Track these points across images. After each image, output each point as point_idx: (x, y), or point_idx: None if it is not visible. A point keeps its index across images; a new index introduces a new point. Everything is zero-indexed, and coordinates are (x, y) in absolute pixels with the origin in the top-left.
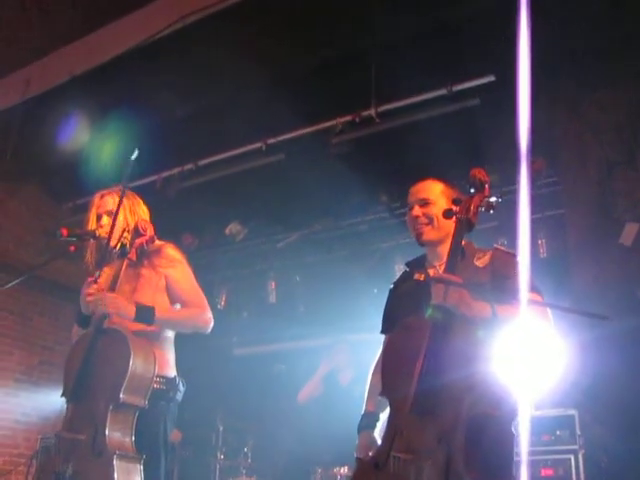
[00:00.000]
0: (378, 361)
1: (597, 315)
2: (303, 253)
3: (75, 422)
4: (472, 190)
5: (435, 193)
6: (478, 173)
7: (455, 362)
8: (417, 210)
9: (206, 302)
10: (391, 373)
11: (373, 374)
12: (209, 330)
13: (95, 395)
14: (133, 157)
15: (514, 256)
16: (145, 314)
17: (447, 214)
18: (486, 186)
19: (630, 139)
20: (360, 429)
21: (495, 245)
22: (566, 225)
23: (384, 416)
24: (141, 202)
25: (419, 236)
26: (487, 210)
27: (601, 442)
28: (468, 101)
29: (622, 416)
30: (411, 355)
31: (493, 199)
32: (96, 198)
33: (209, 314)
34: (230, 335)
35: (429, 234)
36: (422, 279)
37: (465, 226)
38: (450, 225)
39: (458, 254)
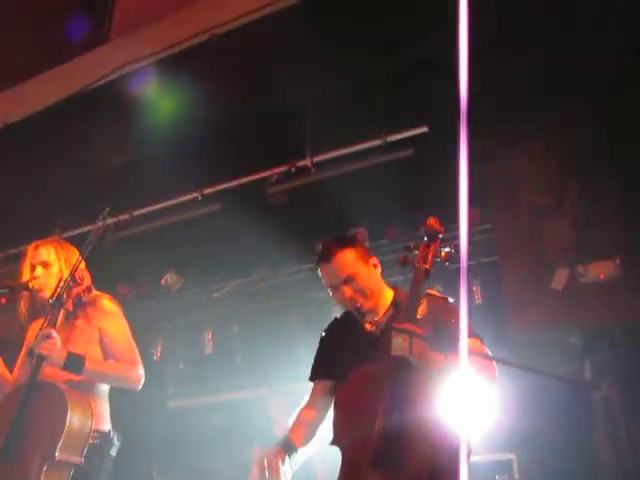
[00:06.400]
0: (309, 402)
1: (537, 370)
2: (240, 303)
3: None
4: (425, 239)
5: (350, 264)
6: (433, 222)
7: (416, 413)
8: (348, 290)
9: (139, 359)
10: (347, 423)
11: (302, 410)
12: (139, 388)
13: (28, 453)
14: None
15: (448, 301)
16: (75, 363)
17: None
18: (440, 235)
19: (559, 186)
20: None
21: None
22: (500, 272)
23: (305, 455)
24: (76, 252)
25: (359, 309)
26: (444, 261)
27: None
28: (402, 151)
29: (558, 458)
30: (369, 406)
31: (447, 249)
32: (30, 249)
33: (140, 371)
34: (166, 387)
35: (368, 305)
36: (374, 329)
37: (424, 275)
38: (379, 284)
39: (418, 304)
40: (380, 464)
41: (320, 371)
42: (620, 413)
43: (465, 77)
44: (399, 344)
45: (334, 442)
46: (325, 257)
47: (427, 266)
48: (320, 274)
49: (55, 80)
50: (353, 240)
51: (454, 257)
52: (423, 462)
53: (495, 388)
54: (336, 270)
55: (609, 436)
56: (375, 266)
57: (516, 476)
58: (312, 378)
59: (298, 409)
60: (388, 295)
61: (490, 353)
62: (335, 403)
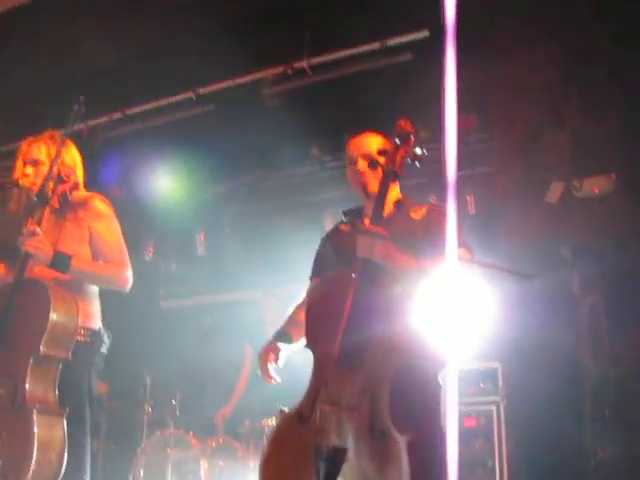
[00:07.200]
0: (304, 300)
1: (522, 273)
2: (233, 205)
3: None
4: (397, 141)
5: (376, 145)
6: (404, 124)
7: (381, 315)
8: (362, 163)
9: (128, 261)
10: (316, 325)
11: (296, 308)
12: (127, 290)
13: (15, 348)
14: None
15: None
16: (61, 261)
17: (372, 165)
18: (411, 137)
19: (559, 99)
20: (271, 340)
21: (432, 201)
22: (494, 182)
23: (295, 347)
24: (72, 149)
25: (365, 187)
26: (413, 161)
27: (521, 393)
28: (400, 56)
29: (541, 368)
30: (336, 308)
31: (418, 150)
32: (23, 145)
33: (128, 273)
34: (158, 286)
35: (372, 186)
36: (347, 230)
37: (390, 177)
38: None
39: (383, 205)
40: (343, 363)
41: (314, 270)
42: (604, 325)
43: None
44: (361, 245)
45: (307, 345)
46: (359, 133)
47: (395, 168)
48: (346, 149)
49: None
50: (388, 136)
51: (425, 158)
52: (386, 363)
53: (483, 296)
54: (362, 143)
55: (593, 347)
56: None
57: (500, 384)
58: (310, 276)
59: (293, 307)
60: (394, 198)
61: (478, 261)
62: (307, 306)
